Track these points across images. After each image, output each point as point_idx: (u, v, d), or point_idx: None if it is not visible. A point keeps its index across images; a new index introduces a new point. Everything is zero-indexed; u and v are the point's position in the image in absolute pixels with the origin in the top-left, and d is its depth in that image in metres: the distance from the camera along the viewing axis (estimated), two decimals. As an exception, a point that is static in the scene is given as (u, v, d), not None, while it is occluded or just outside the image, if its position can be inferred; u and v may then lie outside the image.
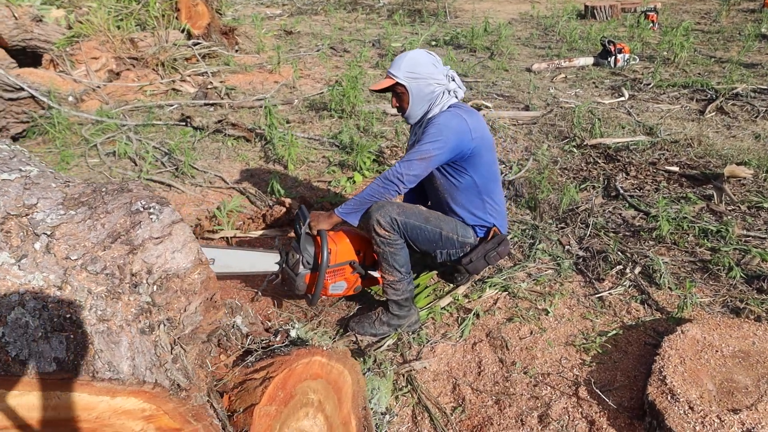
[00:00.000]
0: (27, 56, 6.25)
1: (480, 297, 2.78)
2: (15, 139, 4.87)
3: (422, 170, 2.37)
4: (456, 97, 2.51)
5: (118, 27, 6.56)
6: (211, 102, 5.59)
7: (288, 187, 3.97)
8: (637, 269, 2.98)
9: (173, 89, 5.99)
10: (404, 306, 2.56)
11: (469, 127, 2.41)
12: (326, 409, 1.83)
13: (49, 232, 1.27)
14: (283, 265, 2.41)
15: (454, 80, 2.50)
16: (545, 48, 7.99)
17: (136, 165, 4.34)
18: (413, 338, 2.56)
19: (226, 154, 4.57)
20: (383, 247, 2.42)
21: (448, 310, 2.73)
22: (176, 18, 7.02)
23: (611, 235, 3.30)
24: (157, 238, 1.39)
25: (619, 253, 3.11)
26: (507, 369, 2.35)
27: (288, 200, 3.47)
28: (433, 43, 8.32)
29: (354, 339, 2.55)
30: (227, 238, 3.24)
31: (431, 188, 2.61)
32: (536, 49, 8.02)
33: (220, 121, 4.93)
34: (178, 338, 1.38)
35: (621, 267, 3.00)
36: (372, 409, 2.17)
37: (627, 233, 3.32)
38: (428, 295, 2.83)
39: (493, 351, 2.46)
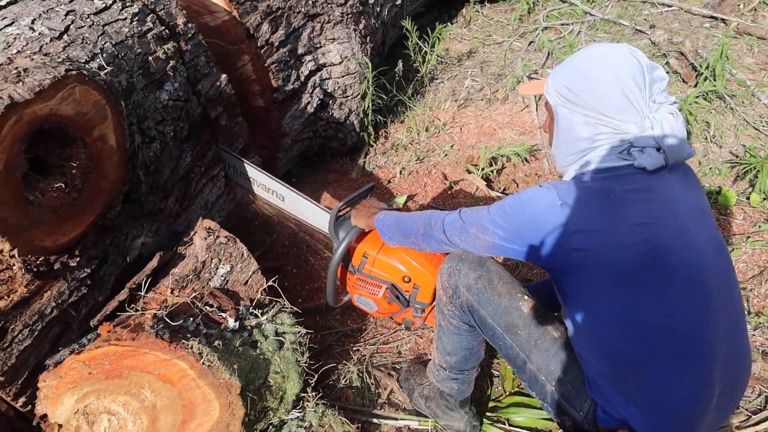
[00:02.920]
0: None
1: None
2: (492, 0, 4.86)
3: (472, 248, 1.40)
4: (633, 164, 1.20)
5: None
6: (718, 16, 4.09)
7: None
8: None
9: (694, -14, 4.61)
10: (448, 403, 1.63)
11: (565, 222, 1.16)
12: (159, 420, 1.49)
13: None
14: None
15: (662, 133, 1.18)
16: None
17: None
18: (447, 449, 1.64)
19: None
20: (437, 309, 1.51)
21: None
22: None
23: None
24: None
25: None
26: None
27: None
28: None
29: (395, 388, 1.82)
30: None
31: None
32: None
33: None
34: None
35: None
36: None
37: None
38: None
39: None
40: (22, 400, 1.52)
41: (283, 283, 2.15)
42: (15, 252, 1.33)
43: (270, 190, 2.04)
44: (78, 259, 1.50)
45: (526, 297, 1.39)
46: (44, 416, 1.51)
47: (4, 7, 1.68)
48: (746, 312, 1.96)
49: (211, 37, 2.36)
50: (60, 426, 1.50)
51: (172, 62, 1.85)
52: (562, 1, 4.57)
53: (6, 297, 1.41)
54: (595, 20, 4.23)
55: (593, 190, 1.21)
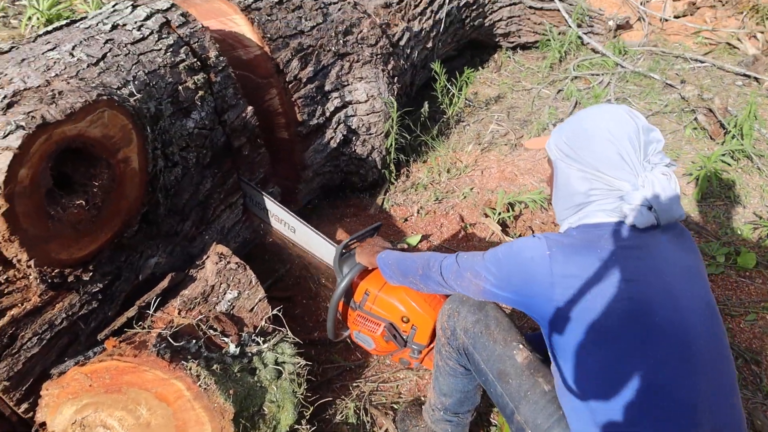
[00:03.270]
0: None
1: None
2: (524, 47, 4.94)
3: (466, 291, 1.44)
4: (624, 221, 1.24)
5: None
6: (751, 74, 4.08)
7: None
8: None
9: (728, 44, 4.61)
10: (440, 447, 1.61)
11: (552, 272, 1.18)
12: (152, 438, 1.50)
13: None
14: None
15: (653, 192, 1.20)
16: None
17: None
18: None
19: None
20: (436, 349, 1.52)
21: None
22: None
23: None
24: None
25: None
26: None
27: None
28: None
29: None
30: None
31: None
32: None
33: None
34: None
35: None
36: None
37: None
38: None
39: None
40: (24, 406, 1.56)
41: (293, 311, 2.18)
42: (32, 262, 1.40)
43: (282, 221, 2.10)
44: (92, 273, 1.57)
45: (521, 346, 1.39)
46: (43, 424, 1.55)
47: (50, 32, 1.80)
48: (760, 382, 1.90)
49: (242, 70, 2.46)
50: (58, 436, 1.54)
51: (200, 92, 1.94)
52: (594, 52, 4.62)
53: (19, 305, 1.48)
54: (625, 72, 4.26)
55: (583, 242, 1.23)
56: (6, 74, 1.49)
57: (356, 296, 1.80)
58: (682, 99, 3.82)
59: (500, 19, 4.63)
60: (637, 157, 1.23)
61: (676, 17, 5.10)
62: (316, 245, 2.01)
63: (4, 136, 1.32)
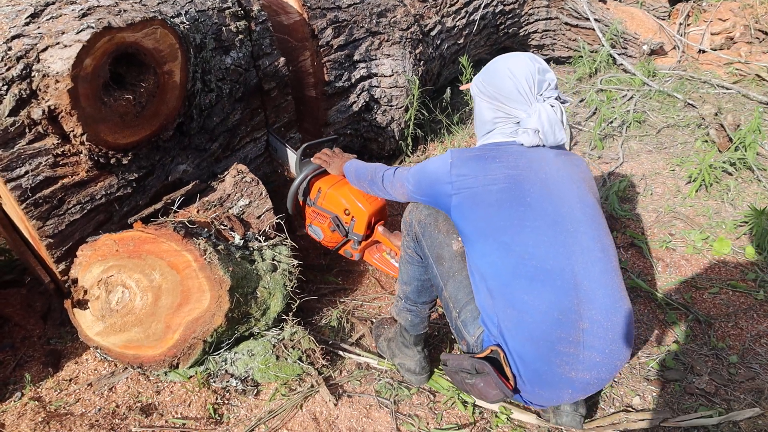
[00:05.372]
0: None
1: None
2: (557, 61, 5.17)
3: (397, 196, 1.84)
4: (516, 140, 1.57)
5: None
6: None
7: None
8: None
9: (758, 75, 4.73)
10: (405, 340, 1.85)
11: (450, 172, 1.51)
12: (161, 299, 1.80)
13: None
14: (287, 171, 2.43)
15: (539, 119, 1.52)
16: None
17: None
18: (397, 385, 1.85)
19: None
20: (402, 243, 1.79)
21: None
22: None
23: None
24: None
25: None
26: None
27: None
28: None
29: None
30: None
31: None
32: None
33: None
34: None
35: None
36: (225, 365, 1.87)
37: None
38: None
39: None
40: (61, 266, 1.87)
41: (299, 242, 2.45)
42: (84, 137, 1.72)
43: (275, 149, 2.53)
44: (130, 158, 1.88)
45: (459, 238, 1.64)
46: (75, 280, 1.86)
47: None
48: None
49: (282, 33, 2.80)
50: (86, 291, 1.84)
51: (240, 36, 2.26)
52: (624, 71, 4.81)
53: (70, 176, 1.80)
54: (650, 90, 4.43)
55: (480, 152, 1.54)
56: (84, -9, 1.83)
57: (312, 194, 2.25)
58: (699, 117, 3.97)
59: (535, 31, 4.88)
60: (531, 92, 1.53)
61: (712, 50, 5.25)
62: (286, 156, 2.40)
63: (77, 32, 1.66)
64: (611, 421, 1.72)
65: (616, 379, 1.88)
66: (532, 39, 4.95)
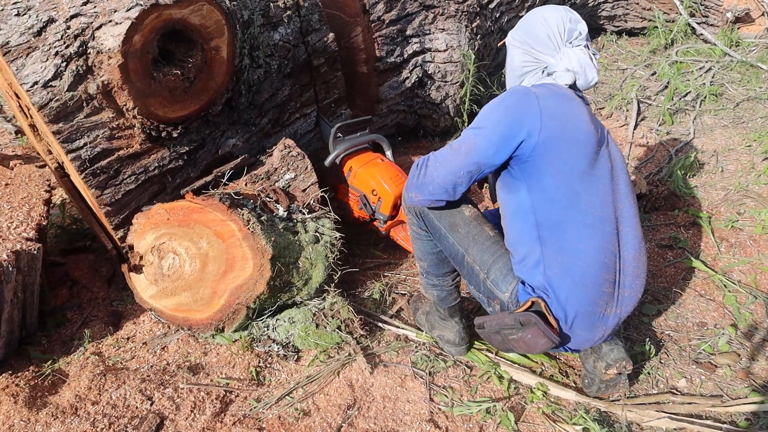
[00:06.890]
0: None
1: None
2: (630, 33, 4.91)
3: (450, 166, 1.51)
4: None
5: None
6: None
7: None
8: None
9: None
10: (440, 313, 1.85)
11: (537, 102, 1.42)
12: (208, 266, 1.89)
13: None
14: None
15: (569, 61, 1.57)
16: None
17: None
18: (434, 357, 1.86)
19: None
20: (407, 221, 1.77)
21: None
22: None
23: None
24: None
25: None
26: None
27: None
28: None
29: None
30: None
31: None
32: None
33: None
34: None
35: None
36: (268, 330, 1.94)
37: None
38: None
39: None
40: (120, 233, 2.00)
41: (347, 219, 2.49)
42: (136, 111, 1.81)
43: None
44: (181, 135, 1.97)
45: (469, 205, 1.63)
46: (131, 247, 1.98)
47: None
48: None
49: (334, 9, 2.82)
50: (141, 257, 1.96)
51: (288, 12, 2.30)
52: (704, 41, 4.49)
53: (125, 148, 1.91)
54: (731, 61, 4.12)
55: (549, 89, 1.51)
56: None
57: (345, 171, 2.35)
58: (786, 87, 3.66)
59: (606, 1, 4.64)
60: (561, 38, 1.56)
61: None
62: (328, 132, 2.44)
63: (127, 10, 1.74)
64: (654, 400, 1.64)
65: (662, 360, 1.79)
66: (603, 9, 4.71)
